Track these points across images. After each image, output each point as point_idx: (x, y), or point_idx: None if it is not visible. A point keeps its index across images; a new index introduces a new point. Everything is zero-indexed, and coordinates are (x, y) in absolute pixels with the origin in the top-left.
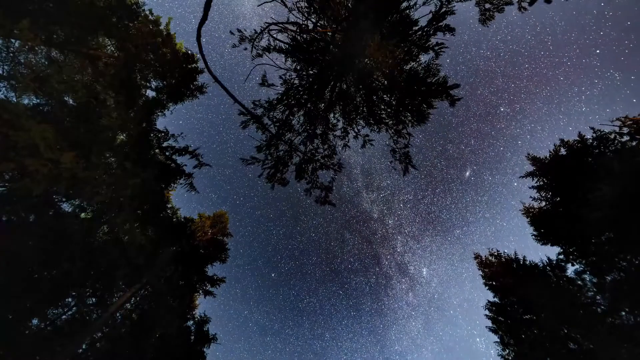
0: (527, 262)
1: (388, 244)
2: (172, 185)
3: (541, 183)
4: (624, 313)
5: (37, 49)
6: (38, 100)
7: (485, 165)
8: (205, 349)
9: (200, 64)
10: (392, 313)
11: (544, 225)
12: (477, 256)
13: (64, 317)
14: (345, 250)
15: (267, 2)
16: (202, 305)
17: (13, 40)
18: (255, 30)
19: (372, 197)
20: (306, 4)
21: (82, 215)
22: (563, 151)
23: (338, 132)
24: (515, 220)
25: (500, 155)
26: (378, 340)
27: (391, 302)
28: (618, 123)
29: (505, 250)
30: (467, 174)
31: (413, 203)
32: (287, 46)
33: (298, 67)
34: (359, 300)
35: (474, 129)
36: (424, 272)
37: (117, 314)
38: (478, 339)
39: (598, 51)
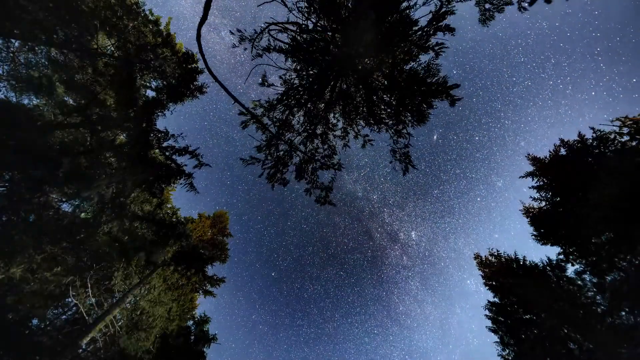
0: (527, 262)
1: (376, 217)
2: (172, 185)
3: (541, 183)
4: (624, 313)
5: (37, 49)
6: (38, 100)
7: (449, 126)
8: (205, 349)
9: (200, 64)
10: (392, 279)
11: (544, 225)
12: (477, 256)
13: (64, 317)
14: (338, 233)
15: (267, 2)
16: (205, 311)
17: (13, 40)
18: (255, 30)
19: (353, 177)
20: (306, 4)
21: (82, 215)
22: (563, 151)
23: (338, 132)
24: (482, 170)
25: (460, 115)
26: (384, 307)
27: (389, 269)
28: (618, 123)
29: (503, 250)
30: (435, 137)
31: (392, 175)
32: (287, 46)
33: (298, 67)
34: (359, 276)
35: None
36: (413, 235)
37: (117, 314)
38: (468, 281)
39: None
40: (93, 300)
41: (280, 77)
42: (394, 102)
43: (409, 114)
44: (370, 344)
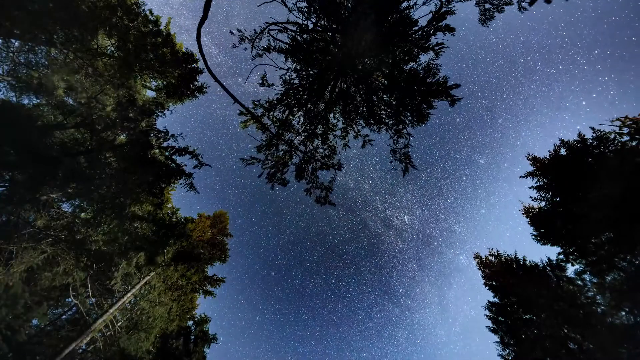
0: (527, 262)
1: (369, 206)
2: (172, 185)
3: (541, 183)
4: (624, 313)
5: (37, 49)
6: (38, 100)
7: (431, 110)
8: (205, 349)
9: (200, 64)
10: (389, 263)
11: (544, 225)
12: (477, 256)
13: (64, 317)
14: (333, 225)
15: (267, 2)
16: (207, 314)
17: (13, 41)
18: (255, 30)
19: (344, 170)
20: (306, 4)
21: (82, 215)
22: (563, 151)
23: (338, 132)
24: (464, 150)
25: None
26: (384, 292)
27: (386, 255)
28: (618, 123)
29: (501, 249)
30: None
31: (380, 164)
32: (287, 46)
33: (298, 67)
34: (358, 265)
35: None
36: (406, 220)
37: (117, 314)
38: (461, 257)
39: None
40: (93, 300)
41: (280, 77)
42: (394, 102)
43: (408, 114)
44: (375, 328)
